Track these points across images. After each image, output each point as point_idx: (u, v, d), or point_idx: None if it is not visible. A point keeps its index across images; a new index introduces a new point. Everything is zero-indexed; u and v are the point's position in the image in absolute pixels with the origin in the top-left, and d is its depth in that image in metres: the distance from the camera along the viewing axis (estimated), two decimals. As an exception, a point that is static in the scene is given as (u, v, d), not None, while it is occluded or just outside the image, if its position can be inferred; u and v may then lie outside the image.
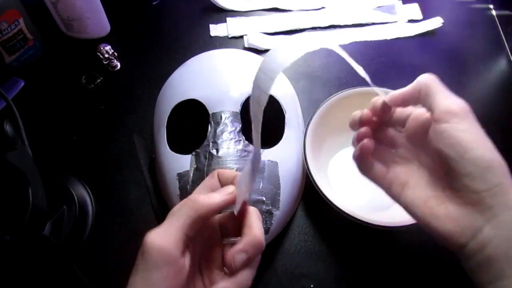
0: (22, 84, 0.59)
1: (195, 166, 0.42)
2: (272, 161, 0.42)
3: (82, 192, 0.49)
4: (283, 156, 0.43)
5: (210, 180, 0.33)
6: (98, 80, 0.60)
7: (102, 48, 0.58)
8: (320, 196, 0.43)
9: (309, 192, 0.49)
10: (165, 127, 0.45)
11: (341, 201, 0.43)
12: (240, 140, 0.42)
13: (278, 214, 0.42)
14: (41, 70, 0.61)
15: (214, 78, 0.45)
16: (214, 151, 0.41)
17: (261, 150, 0.41)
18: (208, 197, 0.30)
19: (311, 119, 0.47)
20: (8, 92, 0.58)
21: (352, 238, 0.46)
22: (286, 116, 0.45)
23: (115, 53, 0.59)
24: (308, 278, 0.44)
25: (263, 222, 0.40)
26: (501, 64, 0.63)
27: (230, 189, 0.31)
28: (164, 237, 0.27)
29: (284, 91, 0.48)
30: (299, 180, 0.46)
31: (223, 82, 0.44)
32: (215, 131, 0.42)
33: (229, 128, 0.42)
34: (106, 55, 0.58)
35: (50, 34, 0.64)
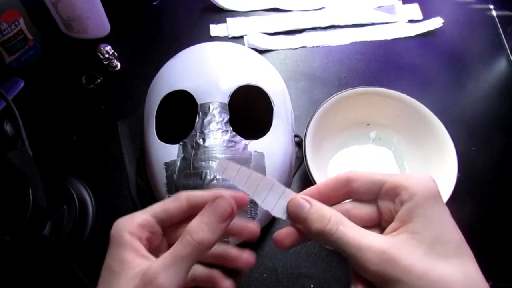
0: (22, 84, 0.59)
1: (182, 155, 0.42)
2: (258, 152, 0.43)
3: (82, 192, 0.49)
4: (270, 148, 0.44)
5: (173, 204, 0.30)
6: (98, 80, 0.60)
7: (102, 48, 0.58)
8: (320, 196, 0.43)
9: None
10: (154, 117, 0.46)
11: (341, 201, 0.43)
12: (227, 130, 0.42)
13: None
14: (41, 70, 0.61)
15: (203, 69, 0.46)
16: (201, 141, 0.42)
17: (248, 141, 0.42)
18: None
19: (311, 119, 0.47)
20: (8, 92, 0.58)
21: (352, 238, 0.46)
22: (274, 108, 0.45)
23: (115, 53, 0.59)
24: (308, 278, 0.44)
25: (248, 212, 0.41)
26: (501, 64, 0.63)
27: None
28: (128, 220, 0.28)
29: (273, 84, 0.48)
30: (286, 171, 0.46)
31: (212, 74, 0.45)
32: (202, 121, 0.43)
33: (217, 118, 0.43)
34: (106, 55, 0.58)
35: (50, 34, 0.64)
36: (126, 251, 0.27)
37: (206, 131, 0.42)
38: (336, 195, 0.29)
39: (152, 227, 0.28)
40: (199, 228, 0.26)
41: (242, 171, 0.28)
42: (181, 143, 0.43)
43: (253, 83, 0.45)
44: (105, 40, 0.64)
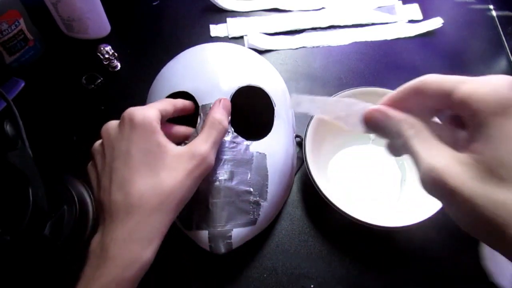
0: (23, 84, 0.60)
1: None
2: (260, 153, 0.42)
3: (82, 192, 0.49)
4: (271, 149, 0.43)
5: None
6: (99, 81, 0.60)
7: (102, 48, 0.58)
8: (320, 196, 0.43)
9: (309, 192, 0.49)
10: None
11: (341, 201, 0.43)
12: (228, 131, 0.42)
13: (265, 205, 0.42)
14: (41, 70, 0.61)
15: (204, 71, 0.45)
16: None
17: (250, 142, 0.42)
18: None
19: (311, 119, 0.47)
20: (9, 92, 0.58)
21: (352, 238, 0.46)
22: (276, 109, 0.45)
23: (115, 54, 0.59)
24: (308, 278, 0.44)
25: (250, 213, 0.41)
26: (501, 64, 0.63)
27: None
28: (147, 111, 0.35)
29: (273, 84, 0.48)
30: (287, 172, 0.46)
31: (213, 75, 0.44)
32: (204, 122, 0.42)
33: None
34: (107, 56, 0.58)
35: (51, 34, 0.64)
36: (161, 136, 0.34)
37: None
38: (412, 103, 0.26)
39: (160, 121, 0.35)
40: (224, 117, 0.38)
41: (316, 101, 0.31)
42: (182, 144, 0.43)
43: (254, 83, 0.45)
44: (105, 40, 0.64)
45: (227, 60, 0.47)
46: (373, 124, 0.27)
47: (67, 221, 0.47)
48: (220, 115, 0.38)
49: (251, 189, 0.41)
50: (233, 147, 0.41)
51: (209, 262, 0.45)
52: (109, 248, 0.30)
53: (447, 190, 0.22)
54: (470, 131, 0.23)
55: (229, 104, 0.40)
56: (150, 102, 0.48)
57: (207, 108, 0.42)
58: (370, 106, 0.28)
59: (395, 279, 0.44)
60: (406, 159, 0.51)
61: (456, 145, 0.24)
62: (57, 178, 0.50)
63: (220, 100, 0.39)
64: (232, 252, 0.40)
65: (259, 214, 0.42)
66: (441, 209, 0.40)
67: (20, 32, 0.57)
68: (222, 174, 0.40)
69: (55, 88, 0.60)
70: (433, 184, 0.22)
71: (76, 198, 0.48)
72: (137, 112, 0.34)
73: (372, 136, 0.53)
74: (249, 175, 0.41)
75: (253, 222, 0.41)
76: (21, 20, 0.57)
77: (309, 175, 0.44)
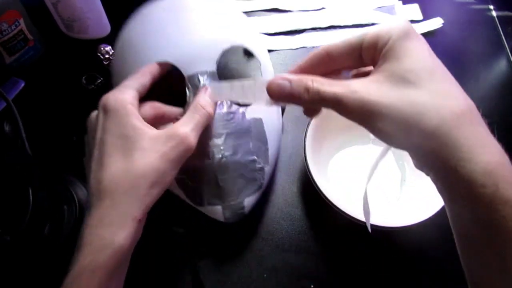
0: (22, 84, 0.59)
1: None
2: (256, 119, 0.41)
3: (82, 192, 0.49)
4: (265, 111, 0.42)
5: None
6: (99, 81, 0.60)
7: (102, 48, 0.58)
8: (320, 196, 0.43)
9: (309, 192, 0.49)
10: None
11: (341, 201, 0.43)
12: (222, 103, 0.39)
13: (268, 168, 0.43)
14: (41, 70, 0.61)
15: (181, 33, 0.39)
16: None
17: (244, 108, 0.41)
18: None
19: (311, 119, 0.47)
20: (8, 92, 0.58)
21: (352, 238, 0.46)
22: (261, 67, 0.43)
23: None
24: (308, 278, 0.44)
25: (257, 180, 0.41)
26: (501, 64, 0.63)
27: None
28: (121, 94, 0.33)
29: (254, 40, 0.45)
30: (279, 128, 0.46)
31: (193, 38, 0.39)
32: (194, 95, 0.38)
33: None
34: (107, 56, 0.58)
35: (51, 34, 0.64)
36: (135, 119, 0.32)
37: None
38: (321, 69, 0.29)
39: (138, 101, 0.34)
40: (208, 104, 0.35)
41: (234, 87, 0.32)
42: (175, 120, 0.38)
43: (237, 43, 0.41)
44: (105, 40, 0.64)
45: (203, 17, 0.41)
46: (277, 92, 0.28)
47: (67, 221, 0.47)
48: (204, 101, 0.35)
49: (255, 157, 0.41)
50: (231, 119, 0.40)
51: (209, 261, 0.45)
52: (83, 235, 0.29)
53: (370, 105, 0.25)
54: (379, 63, 0.26)
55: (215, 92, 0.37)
56: (121, 78, 0.41)
57: (194, 79, 0.39)
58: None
59: (395, 279, 0.44)
60: (406, 159, 0.51)
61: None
62: (57, 178, 0.50)
63: (206, 88, 0.37)
64: (232, 252, 0.40)
65: (264, 178, 0.42)
66: (441, 209, 0.40)
67: (20, 32, 0.57)
68: (227, 149, 0.39)
69: (55, 88, 0.60)
70: (359, 106, 0.25)
71: (76, 198, 0.48)
72: (110, 98, 0.33)
73: (372, 136, 0.53)
74: (251, 144, 0.41)
75: (260, 187, 0.42)
76: (21, 20, 0.57)
77: (309, 175, 0.44)
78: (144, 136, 0.31)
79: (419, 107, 0.24)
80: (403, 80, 0.25)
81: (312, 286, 0.44)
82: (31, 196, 0.39)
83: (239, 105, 0.41)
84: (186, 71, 0.38)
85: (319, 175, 0.45)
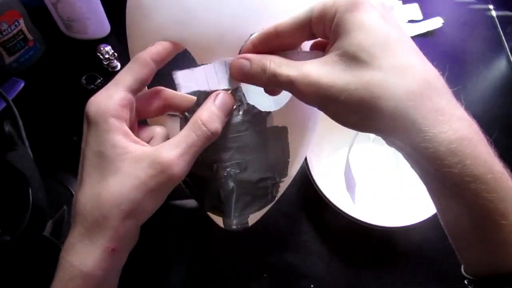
0: (22, 84, 0.59)
1: None
2: (279, 127, 0.34)
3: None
4: (293, 117, 0.34)
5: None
6: (98, 81, 0.60)
7: (102, 48, 0.58)
8: (320, 197, 0.43)
9: (309, 192, 0.49)
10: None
11: (341, 201, 0.43)
12: (239, 105, 0.31)
13: (286, 179, 0.37)
14: (41, 70, 0.61)
15: (199, 14, 0.30)
16: None
17: (266, 112, 0.33)
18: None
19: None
20: (8, 92, 0.58)
21: (352, 238, 0.46)
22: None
23: (115, 54, 0.59)
24: (308, 278, 0.44)
25: (268, 195, 0.36)
26: (501, 64, 0.63)
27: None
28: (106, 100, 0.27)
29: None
30: (309, 138, 0.39)
31: (214, 21, 0.30)
32: (203, 96, 0.30)
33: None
34: (106, 56, 0.58)
35: (50, 34, 0.64)
36: (117, 136, 0.26)
37: None
38: (273, 46, 0.28)
39: (131, 103, 0.28)
40: (212, 120, 0.27)
41: (196, 73, 0.29)
42: (181, 116, 0.32)
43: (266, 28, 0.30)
44: (105, 40, 0.64)
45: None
46: (238, 72, 0.28)
47: (67, 221, 0.47)
48: (208, 116, 0.27)
49: (269, 174, 0.35)
50: (245, 129, 0.32)
51: (208, 261, 0.45)
52: (59, 257, 0.27)
53: (323, 89, 0.23)
54: (331, 39, 0.25)
55: (229, 100, 0.29)
56: (132, 52, 0.35)
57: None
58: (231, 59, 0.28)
59: (395, 279, 0.44)
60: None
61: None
62: (57, 178, 0.50)
63: (217, 95, 0.28)
64: (232, 252, 0.40)
65: (278, 191, 0.37)
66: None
67: (20, 32, 0.57)
68: (234, 166, 0.33)
69: (55, 88, 0.60)
70: (312, 90, 0.24)
71: (76, 198, 0.48)
72: (92, 105, 0.27)
73: (372, 135, 0.53)
74: (266, 159, 0.34)
75: (271, 201, 0.36)
76: (21, 20, 0.57)
77: (309, 175, 0.44)
78: (124, 157, 0.26)
79: (374, 88, 0.22)
80: (355, 59, 0.23)
81: (312, 286, 0.44)
82: (31, 196, 0.39)
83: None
84: (201, 59, 0.30)
85: (319, 175, 0.45)
